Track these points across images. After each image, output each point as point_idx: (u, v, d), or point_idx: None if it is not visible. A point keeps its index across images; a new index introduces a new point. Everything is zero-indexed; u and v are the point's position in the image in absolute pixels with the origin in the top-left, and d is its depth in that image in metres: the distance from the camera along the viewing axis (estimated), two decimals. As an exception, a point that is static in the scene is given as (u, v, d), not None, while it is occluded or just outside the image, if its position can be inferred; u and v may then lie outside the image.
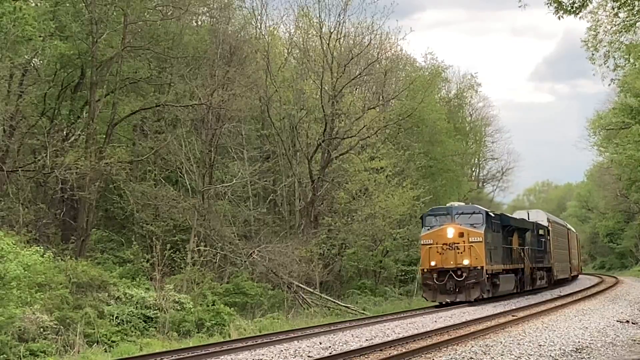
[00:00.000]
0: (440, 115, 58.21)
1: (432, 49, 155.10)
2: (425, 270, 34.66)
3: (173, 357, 20.34)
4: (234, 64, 37.47)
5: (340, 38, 43.67)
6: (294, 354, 18.99)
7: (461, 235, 34.02)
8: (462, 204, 38.71)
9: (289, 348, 19.93)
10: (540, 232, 49.36)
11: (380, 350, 19.06)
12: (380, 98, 50.66)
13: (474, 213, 35.41)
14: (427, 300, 35.60)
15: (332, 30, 43.06)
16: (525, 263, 43.35)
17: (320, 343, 20.86)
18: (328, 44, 42.51)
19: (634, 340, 20.80)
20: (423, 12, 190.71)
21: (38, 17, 29.66)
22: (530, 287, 45.03)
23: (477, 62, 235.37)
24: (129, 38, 34.12)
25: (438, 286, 33.90)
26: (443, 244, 33.98)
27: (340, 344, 20.56)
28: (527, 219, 48.78)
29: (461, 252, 33.74)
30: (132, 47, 34.63)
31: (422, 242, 35.32)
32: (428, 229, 35.27)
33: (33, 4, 32.66)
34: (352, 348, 19.33)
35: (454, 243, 33.85)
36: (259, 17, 46.74)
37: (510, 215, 45.52)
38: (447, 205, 37.52)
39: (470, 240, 33.87)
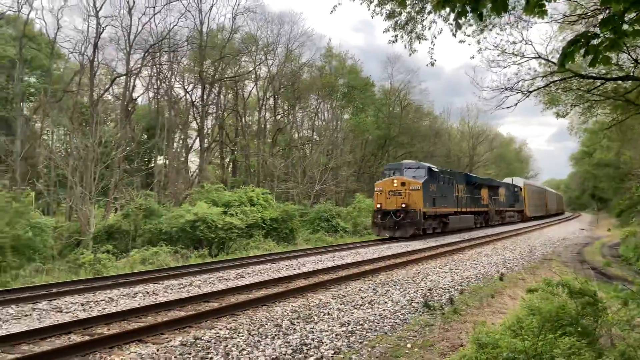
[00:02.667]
0: None
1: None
2: (374, 210, 41.00)
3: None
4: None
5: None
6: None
7: (403, 184, 40.20)
8: (414, 162, 44.70)
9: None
10: (516, 190, 73.72)
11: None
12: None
13: (418, 167, 42.20)
14: (374, 234, 41.89)
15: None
16: (490, 207, 58.13)
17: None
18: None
19: (586, 236, 48.23)
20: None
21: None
22: (498, 222, 62.16)
23: None
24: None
25: (382, 223, 40.18)
26: (389, 191, 40.40)
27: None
28: (509, 182, 74.46)
29: (402, 197, 39.93)
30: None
31: (375, 189, 41.78)
32: (381, 180, 42.23)
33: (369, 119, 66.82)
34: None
35: (397, 190, 40.14)
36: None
37: (479, 176, 62.20)
38: (400, 162, 45.05)
39: (410, 188, 40.02)
